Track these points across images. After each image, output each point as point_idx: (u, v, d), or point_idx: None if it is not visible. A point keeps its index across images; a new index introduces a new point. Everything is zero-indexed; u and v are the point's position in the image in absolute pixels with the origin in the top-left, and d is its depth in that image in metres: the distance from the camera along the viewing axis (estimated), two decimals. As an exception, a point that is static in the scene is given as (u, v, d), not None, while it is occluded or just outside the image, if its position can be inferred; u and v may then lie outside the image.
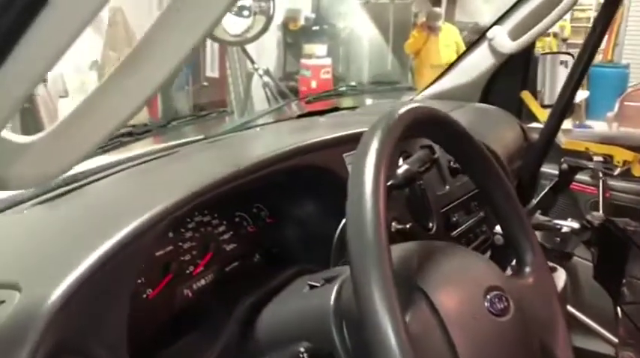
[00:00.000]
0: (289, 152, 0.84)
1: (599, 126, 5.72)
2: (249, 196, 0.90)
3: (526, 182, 1.64)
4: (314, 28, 5.52)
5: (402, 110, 0.62)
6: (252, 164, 0.77)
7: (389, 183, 0.85)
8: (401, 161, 0.98)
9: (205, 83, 5.47)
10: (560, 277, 1.20)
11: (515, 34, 1.80)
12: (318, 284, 0.67)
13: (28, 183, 0.46)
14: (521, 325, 0.63)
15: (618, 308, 1.00)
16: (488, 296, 0.60)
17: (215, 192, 0.71)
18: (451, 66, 1.94)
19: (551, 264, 1.25)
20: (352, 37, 5.95)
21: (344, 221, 0.81)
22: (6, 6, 0.33)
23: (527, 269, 0.75)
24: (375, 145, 0.56)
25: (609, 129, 5.49)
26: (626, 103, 5.54)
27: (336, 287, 0.64)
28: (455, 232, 1.13)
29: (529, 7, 1.77)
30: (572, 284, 1.69)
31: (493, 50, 1.82)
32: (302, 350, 0.57)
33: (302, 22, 5.50)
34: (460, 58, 1.95)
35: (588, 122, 6.19)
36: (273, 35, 5.81)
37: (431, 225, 1.07)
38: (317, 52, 4.95)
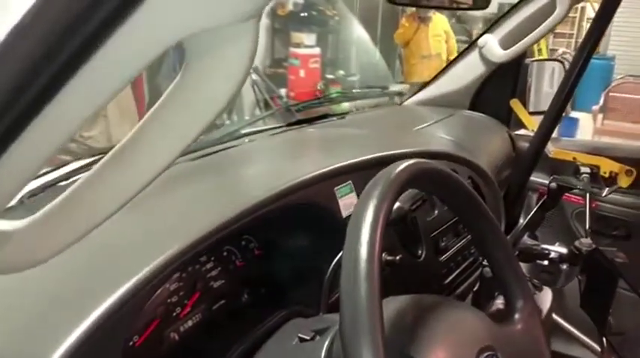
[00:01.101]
0: (282, 192, 0.82)
1: (584, 118, 5.76)
2: (237, 229, 0.89)
3: (514, 192, 1.65)
4: (302, 14, 5.45)
5: (396, 171, 0.61)
6: (246, 209, 0.76)
7: None
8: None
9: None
10: (547, 296, 1.21)
11: (506, 43, 1.79)
12: (308, 338, 0.66)
13: (17, 268, 0.44)
14: None
15: (604, 338, 1.01)
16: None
17: (214, 238, 0.70)
18: (441, 72, 1.93)
19: (536, 281, 1.26)
20: (341, 25, 5.89)
21: (337, 258, 0.81)
22: None
23: (517, 316, 0.75)
24: (370, 214, 0.56)
25: (594, 122, 5.54)
26: (611, 95, 5.58)
27: (326, 343, 0.63)
28: (443, 257, 1.13)
29: (521, 16, 1.76)
30: (560, 297, 1.72)
31: (483, 58, 1.81)
32: None
33: (290, 7, 5.43)
34: (450, 64, 1.94)
35: (574, 114, 6.23)
36: (262, 20, 5.72)
37: (420, 252, 1.07)
38: (306, 40, 4.89)
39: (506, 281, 0.75)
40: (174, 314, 0.77)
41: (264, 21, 5.85)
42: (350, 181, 0.95)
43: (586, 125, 5.60)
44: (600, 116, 5.57)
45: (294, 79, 4.81)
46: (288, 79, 4.90)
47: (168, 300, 0.77)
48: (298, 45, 4.92)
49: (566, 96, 1.53)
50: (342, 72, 5.41)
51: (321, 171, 0.91)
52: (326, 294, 0.83)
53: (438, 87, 1.92)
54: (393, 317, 0.62)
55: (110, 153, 0.40)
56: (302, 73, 4.83)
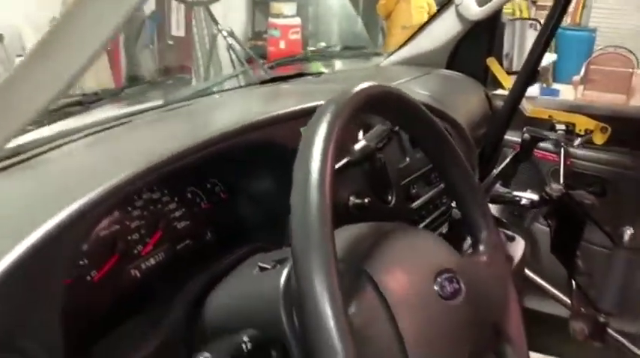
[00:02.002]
0: (245, 127, 0.80)
1: (565, 90, 5.78)
2: (202, 171, 0.87)
3: (489, 150, 1.65)
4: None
5: (354, 90, 0.60)
6: (209, 139, 0.74)
7: (346, 160, 0.83)
8: (361, 135, 0.96)
9: (171, 42, 5.31)
10: (519, 246, 1.21)
11: (482, 0, 1.77)
12: (268, 266, 0.65)
13: None
14: (473, 307, 0.63)
15: (573, 281, 1.01)
16: (438, 280, 0.60)
17: (170, 167, 0.68)
18: (418, 31, 1.91)
19: (510, 232, 1.26)
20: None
21: None
22: None
23: (482, 248, 0.75)
24: (323, 128, 0.54)
25: (575, 93, 5.56)
26: (592, 67, 5.60)
27: (286, 270, 0.62)
28: (415, 204, 1.12)
29: (497, -28, 1.74)
30: (532, 250, 1.73)
31: (460, 16, 1.79)
32: (245, 339, 0.56)
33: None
34: (427, 23, 1.91)
35: (555, 86, 6.25)
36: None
37: (390, 197, 1.06)
38: (285, 10, 4.81)
39: (470, 212, 0.75)
40: (135, 251, 0.76)
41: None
42: None
43: (567, 96, 5.62)
44: (581, 87, 5.58)
45: (273, 51, 4.74)
46: (267, 51, 4.83)
47: (129, 238, 0.75)
48: (278, 15, 4.85)
49: (539, 55, 1.53)
50: (323, 44, 5.35)
51: (287, 110, 0.90)
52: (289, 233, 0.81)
53: (414, 46, 1.90)
54: (351, 239, 0.62)
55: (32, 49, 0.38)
56: (282, 44, 4.77)
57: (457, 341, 0.59)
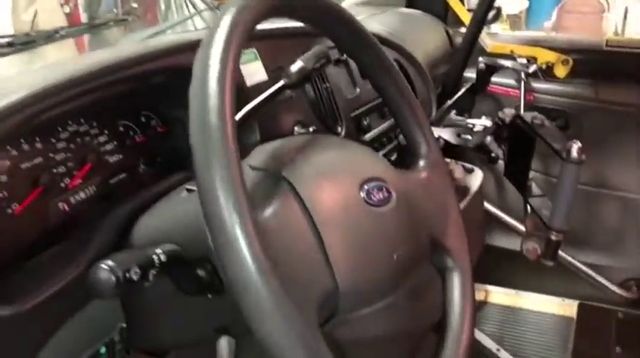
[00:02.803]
0: (163, 50, 0.77)
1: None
2: (135, 104, 0.84)
3: (450, 86, 1.63)
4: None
5: None
6: (118, 61, 0.70)
7: (281, 83, 0.80)
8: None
9: (135, 4, 5.14)
10: (477, 177, 1.20)
11: None
12: (195, 189, 0.63)
13: None
14: (404, 216, 0.61)
15: (527, 204, 1.01)
16: (365, 187, 0.58)
17: (74, 91, 0.64)
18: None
19: (468, 165, 1.25)
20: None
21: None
22: None
23: (421, 163, 0.73)
24: (225, 27, 0.51)
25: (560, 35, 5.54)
26: (563, 12, 5.56)
27: None
28: (366, 136, 1.10)
29: None
30: (493, 183, 1.74)
31: (416, -48, 1.74)
32: (159, 251, 0.53)
33: None
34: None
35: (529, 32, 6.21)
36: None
37: (340, 128, 1.03)
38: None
39: (409, 128, 0.73)
40: (62, 184, 0.73)
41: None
42: (254, 48, 0.90)
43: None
44: (553, 34, 5.56)
45: None
46: None
47: (54, 170, 0.72)
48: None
49: None
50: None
51: (198, 34, 0.86)
52: None
53: (373, -15, 1.85)
54: (274, 148, 0.59)
55: None
56: None
57: (383, 246, 0.57)
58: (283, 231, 0.50)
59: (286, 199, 0.53)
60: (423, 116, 0.73)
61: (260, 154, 0.59)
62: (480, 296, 1.71)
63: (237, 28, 0.51)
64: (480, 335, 1.58)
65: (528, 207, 1.03)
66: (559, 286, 1.78)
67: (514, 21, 6.19)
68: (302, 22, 0.67)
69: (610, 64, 1.70)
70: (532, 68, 1.53)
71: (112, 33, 1.50)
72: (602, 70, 1.70)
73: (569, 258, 1.77)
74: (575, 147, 0.86)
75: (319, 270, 0.51)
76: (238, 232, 0.42)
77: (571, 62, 1.67)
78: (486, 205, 1.63)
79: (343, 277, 0.52)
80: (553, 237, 0.95)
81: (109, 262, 0.49)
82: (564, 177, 0.87)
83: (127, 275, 0.49)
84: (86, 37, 1.39)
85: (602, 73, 1.70)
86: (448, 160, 1.22)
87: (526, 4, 6.27)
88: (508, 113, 1.04)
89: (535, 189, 1.03)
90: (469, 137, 0.97)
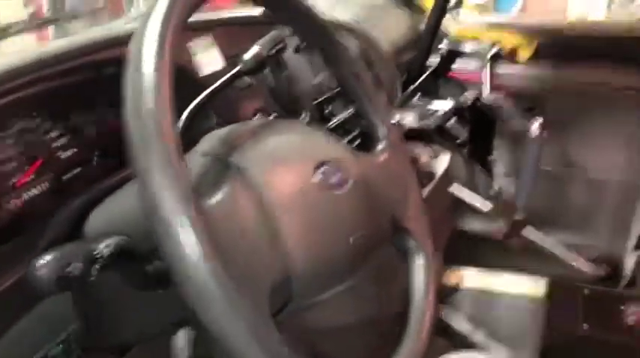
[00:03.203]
0: (109, 40, 0.75)
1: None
2: (88, 96, 0.82)
3: (415, 73, 1.62)
4: None
5: None
6: (59, 51, 0.68)
7: (236, 69, 0.79)
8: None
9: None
10: (443, 161, 1.21)
11: None
12: None
13: None
14: (362, 198, 0.61)
15: (493, 184, 1.02)
16: (320, 170, 0.58)
17: (10, 84, 0.62)
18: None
19: (436, 147, 1.26)
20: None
21: (184, 115, 0.75)
22: None
23: (380, 146, 0.73)
24: (161, 9, 0.49)
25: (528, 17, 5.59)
26: (530, -3, 5.62)
27: None
28: (330, 124, 1.09)
29: None
30: (463, 166, 1.75)
31: (379, -64, 1.73)
32: (103, 245, 0.51)
33: None
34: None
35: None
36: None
37: (303, 115, 1.02)
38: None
39: (367, 112, 0.73)
40: (13, 181, 0.70)
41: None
42: (211, 36, 0.88)
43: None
44: (518, 18, 5.62)
45: None
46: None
47: (2, 167, 0.70)
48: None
49: None
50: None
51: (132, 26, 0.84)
52: None
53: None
54: (224, 134, 0.58)
55: None
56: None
57: (339, 230, 0.57)
58: (232, 217, 0.49)
59: (235, 185, 0.52)
60: (380, 101, 0.73)
61: (210, 140, 0.58)
62: (454, 279, 1.72)
63: (175, 10, 0.50)
64: (454, 318, 1.59)
65: (494, 188, 1.03)
66: (532, 266, 1.80)
67: (482, 8, 6.27)
68: (258, 5, 0.66)
69: (573, 46, 1.72)
70: (492, 51, 1.54)
71: (76, 28, 1.47)
72: (565, 52, 1.72)
73: (541, 238, 1.79)
74: (536, 124, 0.86)
75: (270, 256, 0.50)
76: (178, 220, 0.41)
77: (535, 45, 1.68)
78: (456, 187, 1.65)
79: (297, 262, 0.51)
80: (517, 216, 0.96)
81: (48, 257, 0.47)
82: (526, 155, 0.87)
83: (68, 270, 0.47)
84: (51, 34, 1.35)
85: (566, 55, 1.72)
86: (416, 144, 1.22)
87: (494, -10, 6.34)
88: (469, 96, 1.05)
89: (500, 169, 1.03)
90: (430, 120, 0.97)
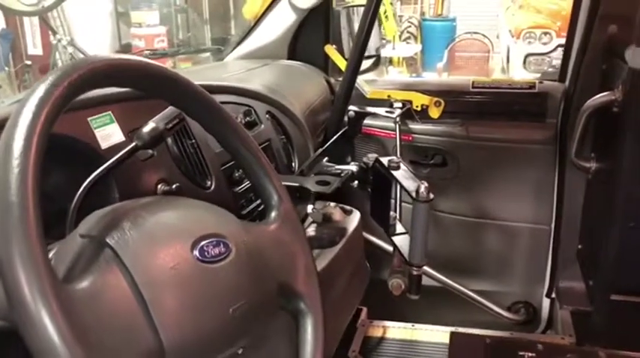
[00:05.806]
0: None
1: (433, 77, 6.11)
2: None
3: (331, 133, 1.70)
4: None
5: (78, 63, 0.57)
6: None
7: (133, 145, 0.81)
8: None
9: (28, 62, 5.01)
10: (355, 218, 1.26)
11: (312, -11, 1.82)
12: None
13: None
14: (245, 268, 0.63)
15: (393, 242, 1.07)
16: (200, 245, 0.60)
17: None
18: (254, 25, 1.92)
19: (347, 207, 1.31)
20: (188, 2, 5.74)
21: (79, 191, 0.76)
22: None
23: (273, 215, 0.76)
24: (32, 105, 0.51)
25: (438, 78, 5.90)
26: (452, 53, 5.97)
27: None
28: (239, 188, 1.12)
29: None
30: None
31: (292, 5, 1.83)
32: None
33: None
34: (262, 16, 1.93)
35: (425, 74, 6.59)
36: (104, 5, 5.43)
37: (209, 182, 1.05)
38: (147, 20, 4.69)
39: (260, 183, 0.76)
40: None
41: (108, 6, 5.54)
42: (110, 112, 0.91)
43: (434, 83, 5.95)
44: (445, 74, 5.94)
45: (140, 61, 4.60)
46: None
47: None
48: (140, 25, 4.71)
49: (364, 39, 1.59)
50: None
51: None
52: (71, 226, 0.77)
53: (253, 40, 1.92)
54: (102, 215, 0.60)
55: None
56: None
57: (217, 302, 0.59)
58: (101, 298, 0.50)
59: (107, 266, 0.53)
60: (272, 170, 0.77)
61: (89, 222, 0.60)
62: (377, 332, 1.75)
63: (46, 104, 0.52)
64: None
65: (393, 244, 1.09)
66: (453, 315, 1.87)
67: (410, 64, 6.59)
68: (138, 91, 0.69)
69: (476, 104, 1.85)
70: (397, 113, 1.64)
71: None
72: (470, 110, 1.85)
73: (459, 287, 1.86)
74: (423, 187, 0.93)
75: (141, 332, 0.52)
76: (37, 309, 0.42)
77: (443, 103, 1.80)
78: (373, 240, 1.71)
79: (169, 337, 0.53)
80: (414, 272, 1.01)
81: None
82: (416, 215, 0.93)
83: None
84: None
85: (471, 112, 1.84)
86: (328, 204, 1.27)
87: (419, 48, 6.68)
88: (371, 157, 1.11)
89: (398, 227, 1.09)
90: (327, 185, 1.02)
